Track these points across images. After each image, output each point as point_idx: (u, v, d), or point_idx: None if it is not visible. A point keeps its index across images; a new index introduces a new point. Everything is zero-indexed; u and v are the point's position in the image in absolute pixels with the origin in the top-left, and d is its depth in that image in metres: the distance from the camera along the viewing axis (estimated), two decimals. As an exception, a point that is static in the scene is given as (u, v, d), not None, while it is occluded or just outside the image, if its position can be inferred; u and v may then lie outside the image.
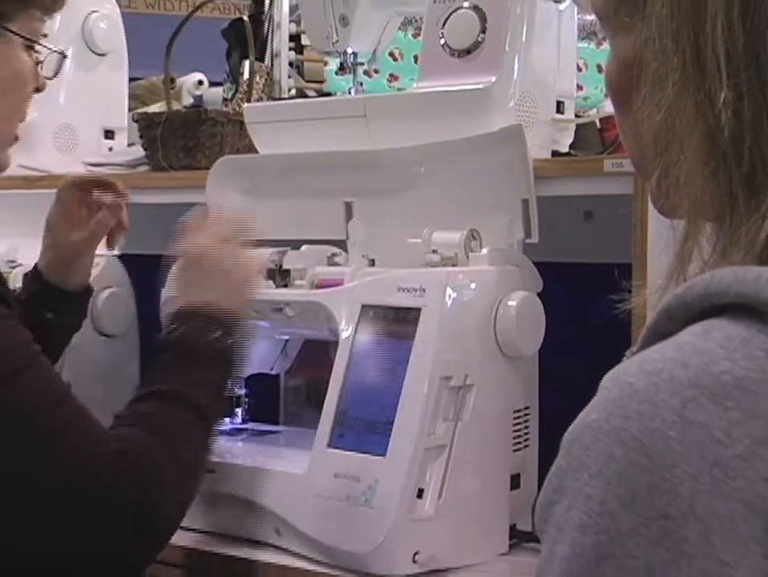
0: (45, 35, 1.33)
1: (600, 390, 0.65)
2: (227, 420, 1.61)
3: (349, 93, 1.69)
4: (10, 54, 1.26)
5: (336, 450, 1.29)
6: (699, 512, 0.59)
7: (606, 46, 2.15)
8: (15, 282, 1.74)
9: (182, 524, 1.37)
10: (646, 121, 0.71)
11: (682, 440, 0.60)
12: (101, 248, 1.53)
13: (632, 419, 0.62)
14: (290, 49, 2.06)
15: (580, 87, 1.55)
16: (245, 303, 1.28)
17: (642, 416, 0.61)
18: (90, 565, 1.12)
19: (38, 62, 1.32)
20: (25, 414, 1.11)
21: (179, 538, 1.36)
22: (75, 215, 1.47)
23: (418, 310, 1.27)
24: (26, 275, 1.51)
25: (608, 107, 1.75)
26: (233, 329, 1.24)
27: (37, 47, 1.32)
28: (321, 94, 2.04)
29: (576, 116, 1.53)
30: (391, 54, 1.91)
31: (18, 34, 1.25)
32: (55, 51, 1.38)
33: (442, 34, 1.50)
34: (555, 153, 1.48)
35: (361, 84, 1.70)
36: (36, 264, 1.47)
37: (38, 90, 1.33)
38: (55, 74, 1.39)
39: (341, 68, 1.68)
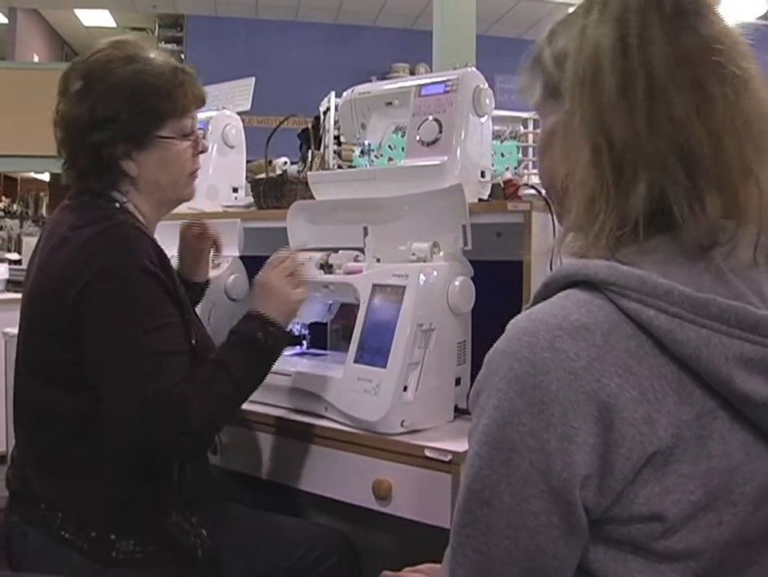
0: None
1: (507, 330, 0.63)
2: (297, 347, 1.56)
3: (366, 166, 1.64)
4: (166, 146, 1.15)
5: (358, 365, 1.24)
6: (560, 399, 0.57)
7: (506, 143, 2.08)
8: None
9: (275, 404, 1.34)
10: (562, 160, 0.69)
11: (552, 358, 0.58)
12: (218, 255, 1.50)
13: (524, 346, 0.59)
14: (334, 143, 2.04)
15: (492, 165, 1.51)
16: (287, 319, 1.18)
17: (529, 344, 0.59)
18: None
19: (204, 135, 1.22)
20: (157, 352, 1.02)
21: (273, 411, 1.33)
22: (191, 242, 1.41)
23: (404, 287, 1.22)
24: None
25: (507, 176, 1.69)
26: (273, 333, 1.14)
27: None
28: (351, 167, 2.00)
29: (491, 179, 1.47)
30: (389, 146, 1.85)
31: (162, 137, 1.14)
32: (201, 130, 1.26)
33: (417, 133, 1.45)
34: (480, 199, 1.42)
35: (372, 162, 1.65)
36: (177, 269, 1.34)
37: (202, 152, 1.22)
38: (207, 148, 1.29)
39: (362, 153, 1.64)
